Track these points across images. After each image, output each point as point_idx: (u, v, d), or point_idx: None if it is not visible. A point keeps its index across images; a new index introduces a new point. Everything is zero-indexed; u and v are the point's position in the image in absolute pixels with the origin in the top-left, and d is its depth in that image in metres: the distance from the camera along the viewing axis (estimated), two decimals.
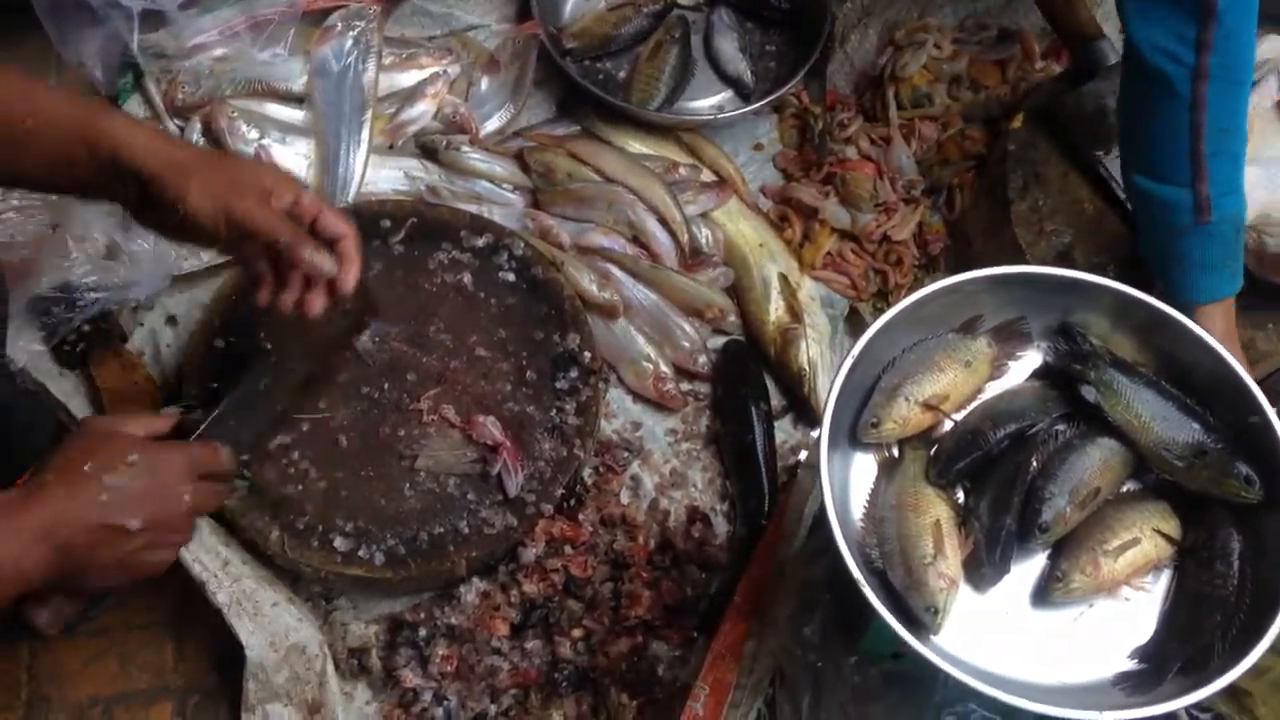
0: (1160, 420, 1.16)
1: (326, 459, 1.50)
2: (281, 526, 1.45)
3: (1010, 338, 1.25)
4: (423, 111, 1.85)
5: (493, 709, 1.46)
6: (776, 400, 1.73)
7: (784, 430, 1.72)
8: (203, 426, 1.25)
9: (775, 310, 1.75)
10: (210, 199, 1.17)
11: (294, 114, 1.77)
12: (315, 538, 1.45)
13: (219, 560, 1.40)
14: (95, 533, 1.08)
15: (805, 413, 1.73)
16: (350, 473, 1.50)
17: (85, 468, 1.09)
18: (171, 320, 1.67)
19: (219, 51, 1.84)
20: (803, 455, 1.67)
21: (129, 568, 1.13)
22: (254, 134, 1.76)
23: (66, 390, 1.55)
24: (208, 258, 1.67)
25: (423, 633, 1.48)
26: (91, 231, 1.58)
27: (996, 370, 1.24)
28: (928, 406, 1.19)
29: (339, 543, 1.45)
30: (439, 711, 1.45)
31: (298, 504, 1.47)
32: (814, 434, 1.71)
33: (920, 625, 1.08)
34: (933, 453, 1.20)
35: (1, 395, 1.21)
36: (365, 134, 1.77)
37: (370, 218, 1.68)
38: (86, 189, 1.20)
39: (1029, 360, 1.26)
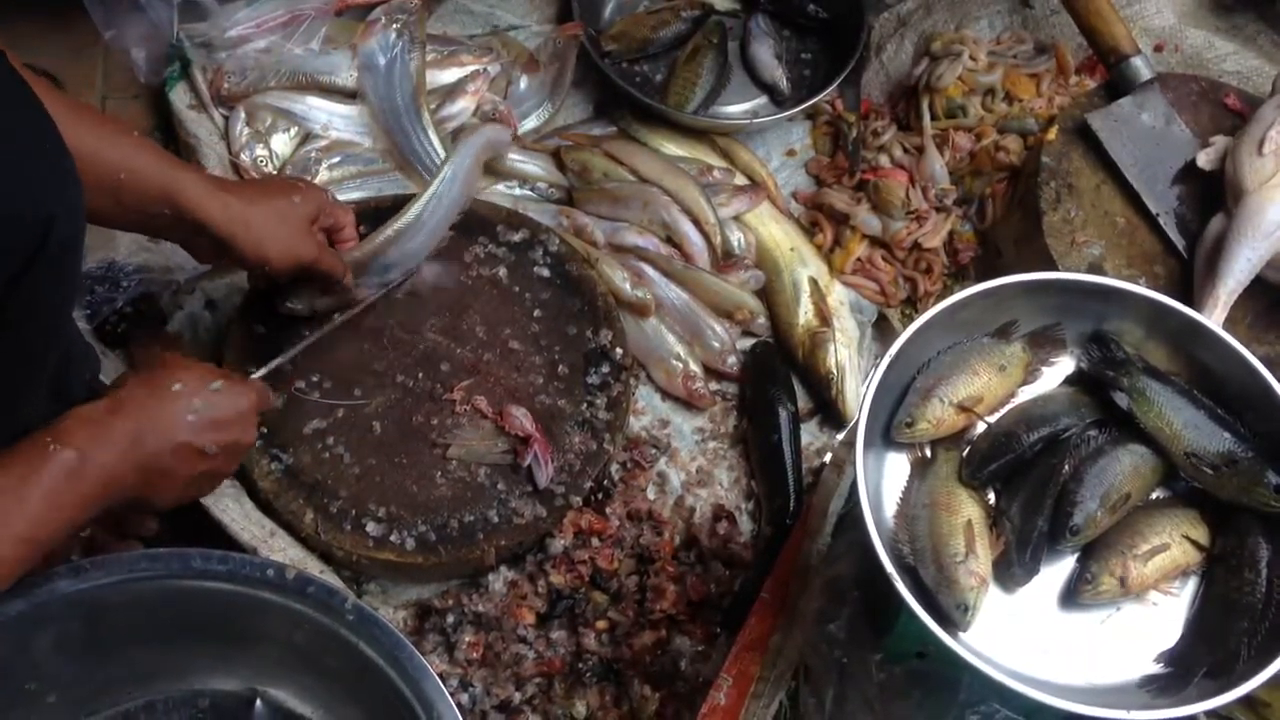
0: (1192, 428, 1.18)
1: (361, 445, 1.52)
2: (315, 509, 1.47)
3: (1045, 343, 1.27)
4: (463, 108, 1.87)
5: (517, 697, 1.47)
6: (804, 403, 1.75)
7: (810, 432, 1.73)
8: (262, 371, 1.42)
9: (805, 314, 1.77)
10: (285, 253, 1.36)
11: (348, 109, 1.80)
12: (348, 521, 1.48)
13: (266, 530, 1.43)
14: (178, 449, 1.18)
15: (832, 416, 1.74)
16: (383, 459, 1.52)
17: (174, 387, 1.19)
18: (211, 305, 1.69)
19: (262, 43, 1.87)
20: (828, 458, 1.69)
21: (192, 488, 1.25)
22: (294, 130, 1.81)
23: (108, 369, 1.56)
24: None
25: (450, 619, 1.49)
26: None
27: (1030, 375, 1.26)
28: (962, 408, 1.21)
29: (371, 527, 1.47)
30: (464, 698, 1.46)
31: (331, 488, 1.49)
32: (839, 437, 1.73)
33: (950, 622, 1.10)
34: (965, 454, 1.22)
35: (71, 332, 1.29)
36: (428, 119, 1.80)
37: None
38: (161, 235, 1.35)
39: (1063, 366, 1.28)
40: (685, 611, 1.54)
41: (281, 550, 1.43)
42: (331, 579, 1.45)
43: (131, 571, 1.26)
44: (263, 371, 1.42)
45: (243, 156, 1.76)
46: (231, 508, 1.43)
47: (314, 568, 1.45)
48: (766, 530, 1.61)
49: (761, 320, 1.79)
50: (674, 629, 1.53)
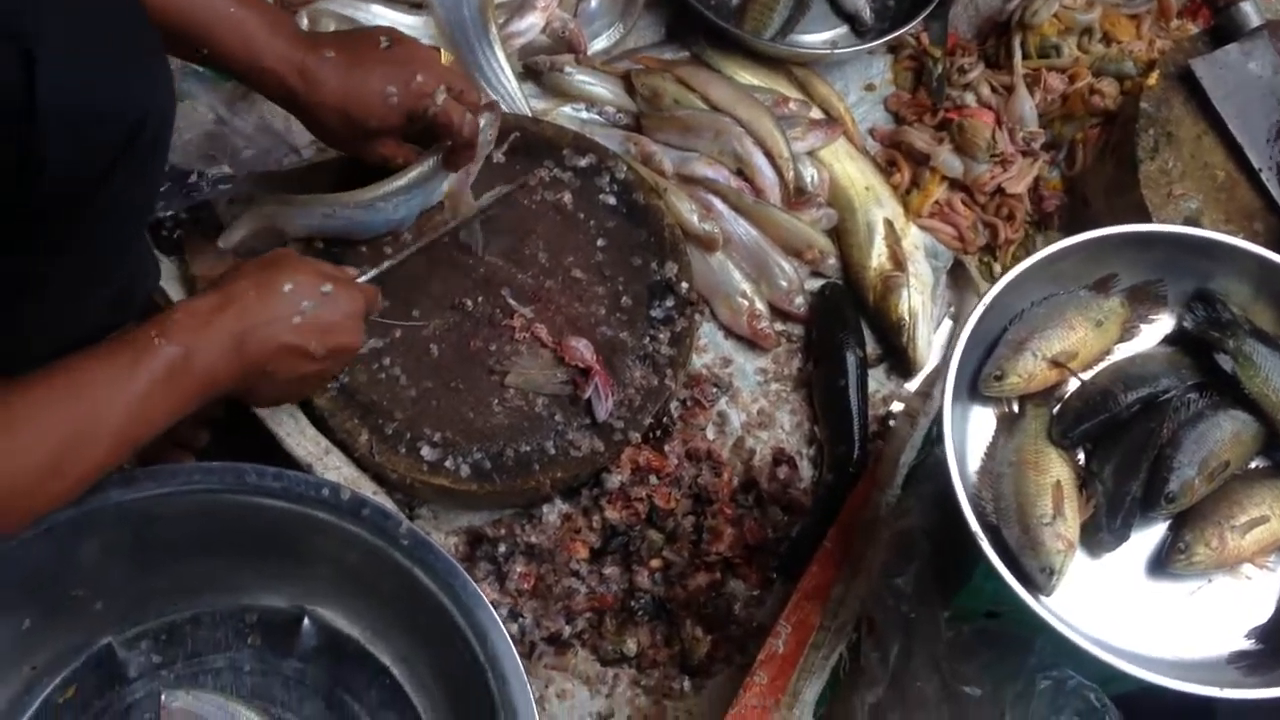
0: None
1: (417, 367, 1.48)
2: (370, 430, 1.44)
3: (1145, 300, 1.21)
4: (532, 24, 1.80)
5: (567, 630, 1.45)
6: (872, 348, 1.70)
7: (877, 379, 1.68)
8: (371, 274, 1.40)
9: (878, 256, 1.71)
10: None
11: (413, 20, 1.74)
12: (403, 444, 1.44)
13: (321, 447, 1.41)
14: (282, 351, 1.17)
15: (901, 363, 1.69)
16: (440, 383, 1.48)
17: (284, 288, 1.17)
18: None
19: None
20: (895, 406, 1.64)
21: (294, 389, 1.26)
22: None
23: (163, 275, 1.53)
24: (309, 154, 1.65)
25: (502, 549, 1.47)
26: (199, 105, 1.56)
27: (1128, 332, 1.21)
28: (1054, 363, 1.16)
29: (426, 451, 1.44)
30: (514, 628, 1.44)
31: (387, 410, 1.46)
32: (908, 385, 1.68)
33: (1033, 585, 1.06)
34: (1056, 411, 1.16)
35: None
36: (495, 33, 1.73)
37: None
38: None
39: (1162, 324, 1.22)
40: (741, 555, 1.50)
41: (335, 469, 1.40)
42: (385, 501, 1.42)
43: (184, 484, 1.25)
44: (371, 274, 1.39)
45: None
46: (287, 421, 1.40)
47: (367, 489, 1.42)
48: (828, 478, 1.57)
49: (832, 261, 1.73)
50: (729, 572, 1.49)
